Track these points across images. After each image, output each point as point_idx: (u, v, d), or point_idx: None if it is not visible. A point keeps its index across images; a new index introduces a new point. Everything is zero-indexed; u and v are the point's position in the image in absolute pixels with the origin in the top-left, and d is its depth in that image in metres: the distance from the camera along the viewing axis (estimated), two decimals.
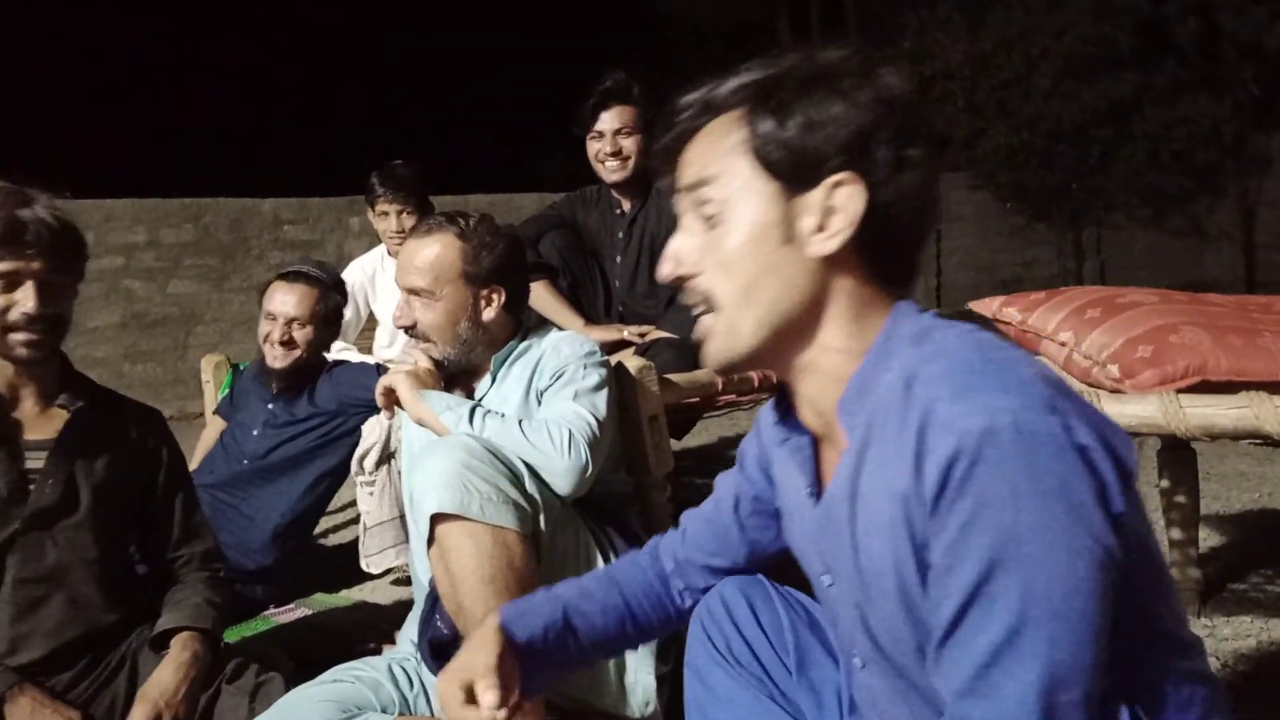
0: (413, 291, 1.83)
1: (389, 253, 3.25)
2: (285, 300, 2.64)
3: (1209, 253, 10.92)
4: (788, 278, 0.92)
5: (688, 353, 2.54)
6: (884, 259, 0.93)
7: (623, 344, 2.64)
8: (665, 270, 0.98)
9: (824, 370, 0.94)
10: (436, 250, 1.82)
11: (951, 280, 9.81)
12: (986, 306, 2.25)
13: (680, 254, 0.97)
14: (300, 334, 2.63)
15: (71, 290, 1.69)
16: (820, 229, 0.90)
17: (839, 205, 0.89)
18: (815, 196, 0.90)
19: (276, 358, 2.64)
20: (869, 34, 13.92)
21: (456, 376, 1.89)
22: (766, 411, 1.12)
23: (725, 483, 1.23)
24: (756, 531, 1.20)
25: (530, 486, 1.63)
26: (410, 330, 1.86)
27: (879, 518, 0.86)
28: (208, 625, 1.72)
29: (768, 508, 1.17)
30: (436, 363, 1.86)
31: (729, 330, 0.94)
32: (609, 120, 2.68)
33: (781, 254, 0.91)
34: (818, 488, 1.00)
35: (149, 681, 1.63)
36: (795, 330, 0.93)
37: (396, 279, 1.87)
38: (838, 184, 0.89)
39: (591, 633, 1.19)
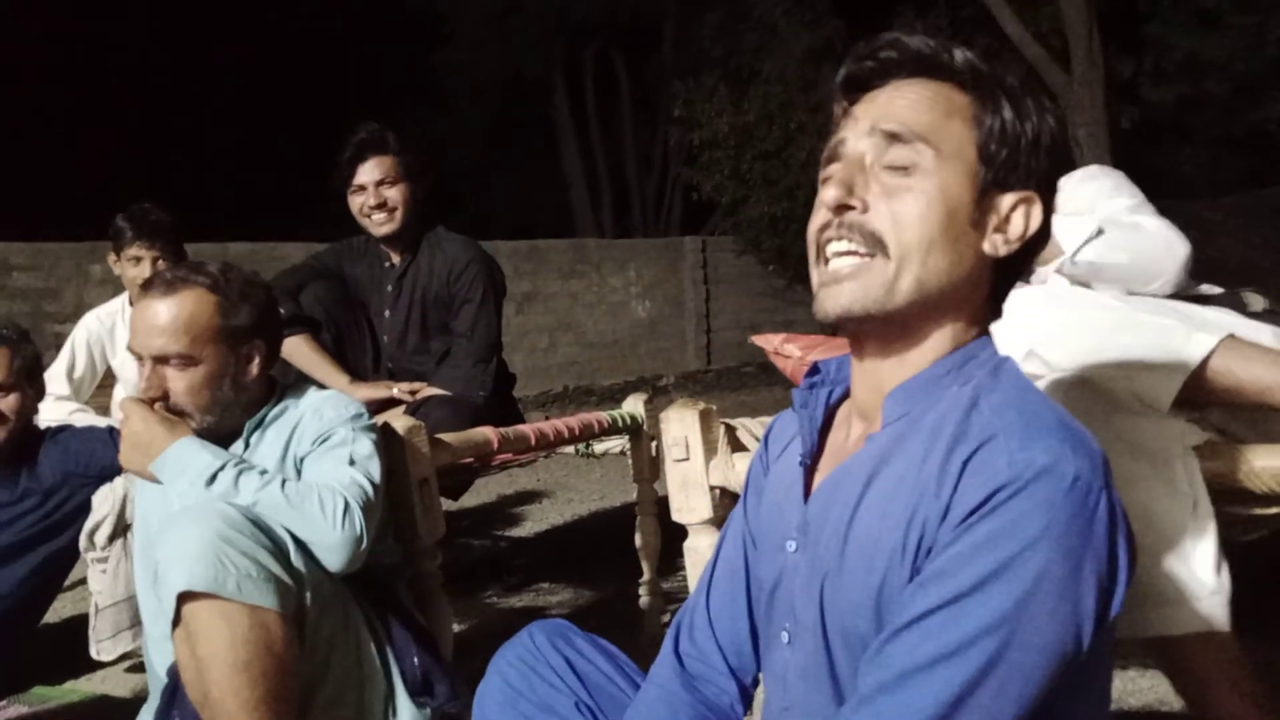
0: (162, 358, 1.65)
1: (132, 303, 2.98)
2: None
3: None
4: (961, 255, 0.91)
5: (462, 410, 2.47)
6: (1007, 282, 0.96)
7: (392, 402, 2.53)
8: (832, 195, 0.93)
9: (911, 361, 0.94)
10: (189, 307, 1.65)
11: (720, 338, 10.20)
12: (768, 341, 2.32)
13: (853, 184, 0.93)
14: (5, 403, 2.29)
15: None
16: (998, 230, 0.93)
17: (1017, 219, 0.93)
18: (1004, 200, 0.92)
19: None
20: (638, 98, 14.44)
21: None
22: (784, 416, 1.13)
23: (729, 540, 1.16)
24: None
25: (295, 560, 1.49)
26: (158, 402, 1.66)
27: (894, 510, 0.86)
28: None
29: None
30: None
31: (886, 279, 0.90)
32: (368, 172, 2.59)
33: (965, 231, 0.91)
34: (811, 460, 1.00)
35: None
36: (935, 310, 0.92)
37: (135, 345, 1.67)
38: (1028, 199, 0.93)
39: None
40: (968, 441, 0.83)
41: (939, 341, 0.93)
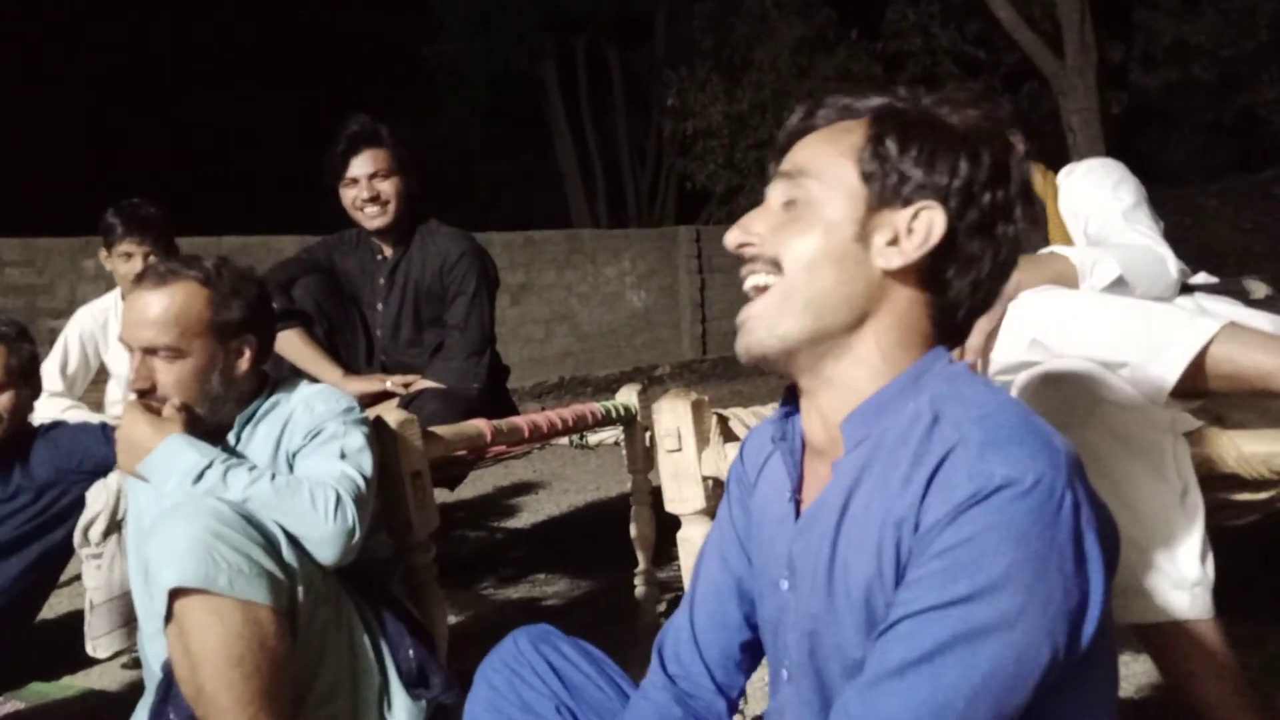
0: (151, 350, 1.65)
1: (124, 298, 2.97)
2: None
3: None
4: (848, 272, 0.93)
5: (455, 403, 2.47)
6: (946, 306, 0.96)
7: (386, 395, 2.53)
8: (731, 237, 0.99)
9: (847, 386, 0.94)
10: (179, 300, 1.65)
11: (715, 328, 10.21)
12: None
13: (750, 225, 0.98)
14: (1, 400, 2.27)
15: None
16: (892, 244, 0.93)
17: (917, 229, 0.93)
18: (899, 216, 0.93)
19: None
20: (631, 89, 14.39)
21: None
22: (758, 430, 1.14)
23: (710, 557, 1.17)
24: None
25: (287, 555, 1.49)
26: (148, 394, 1.66)
27: (866, 536, 0.87)
28: None
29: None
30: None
31: (778, 304, 0.94)
32: (361, 165, 2.58)
33: (849, 249, 0.93)
34: (798, 494, 1.01)
35: None
36: (835, 335, 0.94)
37: (125, 337, 1.67)
38: (923, 209, 0.93)
39: None
40: (930, 457, 0.84)
41: (872, 363, 0.94)
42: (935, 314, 0.95)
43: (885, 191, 0.94)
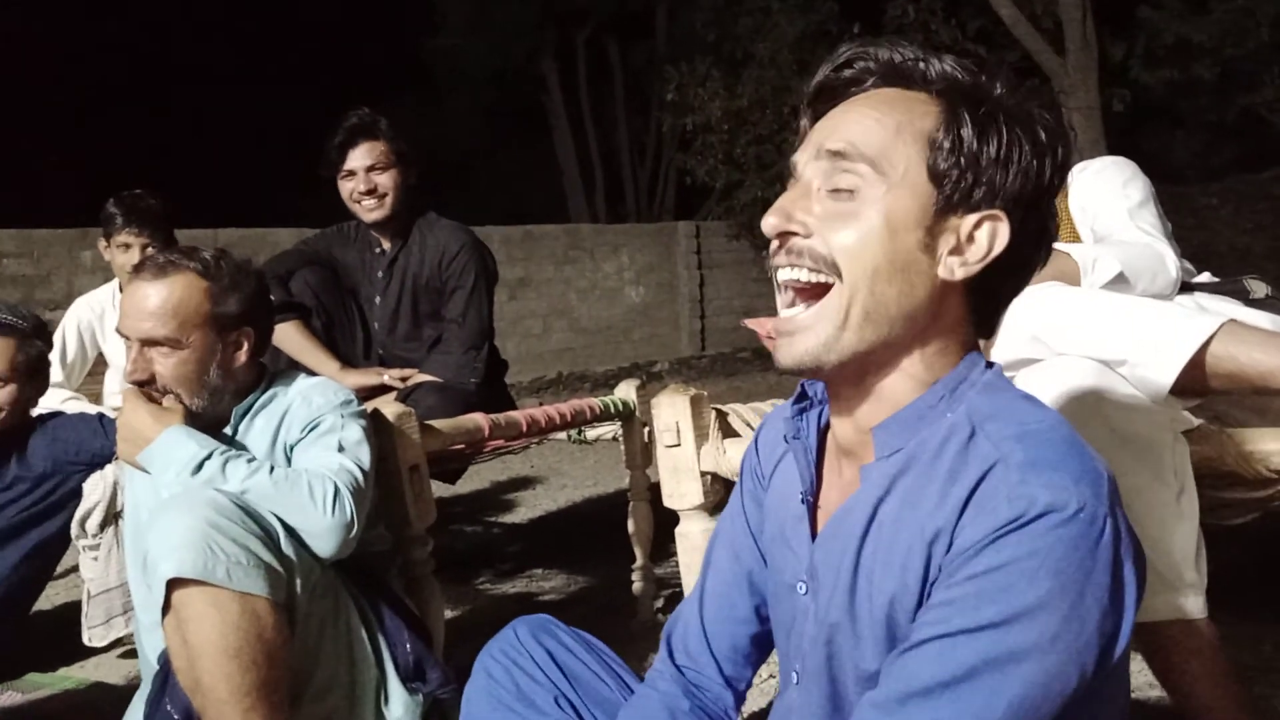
0: (150, 341, 1.65)
1: (122, 289, 2.97)
2: None
3: None
4: (910, 283, 0.86)
5: (453, 397, 2.47)
6: (988, 306, 0.91)
7: (383, 389, 2.53)
8: (770, 222, 0.90)
9: (888, 396, 0.90)
10: (178, 292, 1.65)
11: (714, 324, 10.21)
12: (761, 325, 2.31)
13: (792, 211, 0.89)
14: (2, 393, 2.28)
15: None
16: (955, 253, 0.87)
17: (981, 239, 0.87)
18: (963, 222, 0.87)
19: None
20: (631, 83, 14.36)
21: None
22: (772, 418, 1.10)
23: (721, 548, 1.15)
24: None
25: (286, 547, 1.49)
26: (146, 385, 1.66)
27: (895, 548, 0.84)
28: None
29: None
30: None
31: (838, 313, 0.86)
32: (359, 157, 2.57)
33: (914, 259, 0.86)
34: (813, 495, 0.97)
35: None
36: (892, 346, 0.88)
37: (123, 328, 1.67)
38: (989, 218, 0.87)
39: None
40: (968, 474, 0.81)
41: (915, 373, 0.89)
42: (977, 318, 0.91)
43: (955, 196, 0.86)
